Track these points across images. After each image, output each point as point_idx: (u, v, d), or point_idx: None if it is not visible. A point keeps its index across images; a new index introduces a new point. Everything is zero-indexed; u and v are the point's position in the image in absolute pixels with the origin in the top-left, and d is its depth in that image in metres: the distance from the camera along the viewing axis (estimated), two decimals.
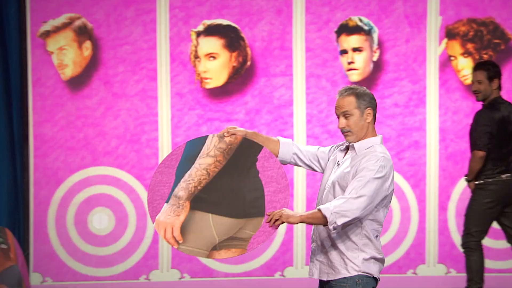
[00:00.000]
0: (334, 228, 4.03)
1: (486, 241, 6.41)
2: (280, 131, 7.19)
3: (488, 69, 6.24)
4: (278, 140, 4.37)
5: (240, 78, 7.21)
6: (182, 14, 7.16)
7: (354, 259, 4.13)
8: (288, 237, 7.23)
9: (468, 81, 7.19)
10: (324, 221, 4.03)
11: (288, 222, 4.12)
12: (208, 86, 7.23)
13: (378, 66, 7.23)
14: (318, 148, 4.35)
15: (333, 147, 4.32)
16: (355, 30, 7.21)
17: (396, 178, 7.11)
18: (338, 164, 4.19)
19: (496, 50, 7.23)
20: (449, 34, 7.24)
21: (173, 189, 4.45)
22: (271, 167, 4.45)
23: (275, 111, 7.21)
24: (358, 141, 4.16)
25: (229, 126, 4.48)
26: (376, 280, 4.20)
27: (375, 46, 7.22)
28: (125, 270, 7.19)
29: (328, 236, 4.16)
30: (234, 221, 4.42)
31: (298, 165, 4.38)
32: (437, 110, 7.21)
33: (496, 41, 7.23)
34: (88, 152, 7.19)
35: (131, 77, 7.19)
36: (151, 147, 7.19)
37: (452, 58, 7.25)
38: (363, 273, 4.15)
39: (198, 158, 4.51)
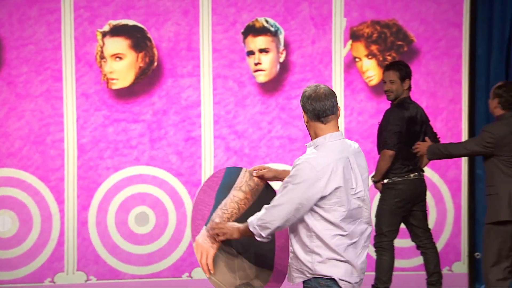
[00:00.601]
0: (263, 237, 4.02)
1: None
2: (187, 132, 7.16)
3: (400, 69, 6.30)
4: None
5: (147, 78, 7.14)
6: (87, 14, 7.07)
7: (307, 262, 4.06)
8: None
9: (373, 82, 7.28)
10: (253, 234, 4.03)
11: (232, 238, 4.15)
12: (115, 87, 7.15)
13: (284, 67, 7.25)
14: None
15: None
16: (262, 31, 7.21)
17: None
18: None
19: (399, 51, 7.33)
20: (354, 35, 7.30)
21: (211, 213, 4.40)
22: None
23: (183, 112, 7.17)
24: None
25: (259, 165, 4.44)
26: (344, 282, 4.05)
27: (281, 47, 7.24)
28: (30, 273, 7.05)
29: (290, 240, 4.12)
30: (252, 267, 4.42)
31: None
32: (343, 111, 7.26)
33: (399, 43, 7.32)
34: None
35: (35, 78, 7.05)
36: (56, 148, 7.07)
37: (357, 59, 7.31)
38: (320, 276, 4.06)
39: (233, 188, 4.50)
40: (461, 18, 7.34)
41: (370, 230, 4.16)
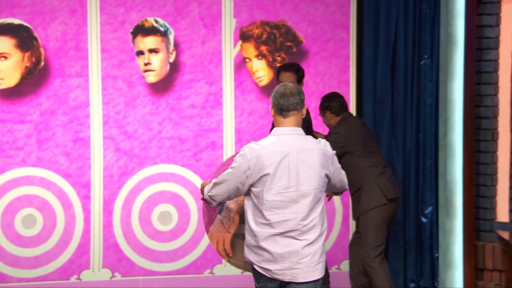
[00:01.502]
0: (214, 206, 4.56)
1: None
2: (76, 132, 7.06)
3: (298, 70, 6.32)
4: None
5: (34, 78, 7.00)
6: None
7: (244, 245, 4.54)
8: (85, 239, 7.11)
9: (263, 82, 7.30)
10: None
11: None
12: (0, 87, 6.98)
13: (174, 68, 7.20)
14: None
15: None
16: (151, 31, 7.15)
17: (193, 179, 7.20)
18: None
19: (288, 52, 7.34)
20: (243, 36, 7.29)
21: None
22: None
23: (71, 112, 7.05)
24: None
25: None
26: (261, 269, 4.40)
27: (171, 47, 7.18)
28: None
29: None
30: None
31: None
32: (233, 111, 7.26)
33: (289, 43, 7.34)
34: None
35: None
36: None
37: (247, 60, 7.31)
38: (248, 259, 4.48)
39: None
40: (349, 20, 7.40)
41: (310, 226, 4.39)
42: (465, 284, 6.76)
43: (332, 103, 6.67)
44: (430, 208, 7.35)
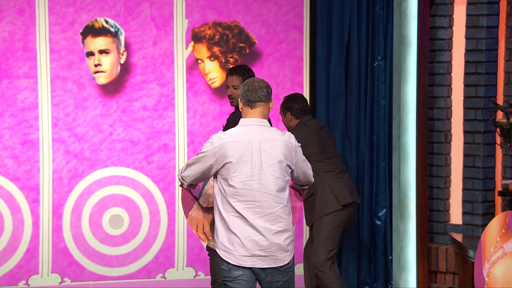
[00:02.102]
0: (185, 187, 4.80)
1: None
2: (24, 135, 6.99)
3: (243, 73, 6.27)
4: None
5: None
6: None
7: None
8: (33, 244, 6.99)
9: (216, 84, 7.27)
10: None
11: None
12: None
13: (125, 69, 7.15)
14: None
15: None
16: (101, 31, 7.09)
17: (145, 182, 7.17)
18: None
19: (241, 53, 7.33)
20: (196, 37, 7.26)
21: (203, 187, 4.96)
22: None
23: (19, 115, 6.98)
24: None
25: None
26: (226, 254, 4.65)
27: (122, 48, 7.13)
28: None
29: None
30: None
31: None
32: (185, 113, 7.24)
33: (241, 45, 7.33)
34: None
35: None
36: None
37: (199, 61, 7.29)
38: (215, 243, 4.74)
39: None
40: (302, 21, 7.40)
41: (274, 215, 4.62)
42: (419, 286, 6.78)
43: (294, 104, 6.65)
44: (384, 211, 7.36)
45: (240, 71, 6.26)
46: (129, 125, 7.15)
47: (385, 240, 7.35)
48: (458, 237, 6.69)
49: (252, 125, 4.68)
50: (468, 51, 7.06)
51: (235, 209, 4.62)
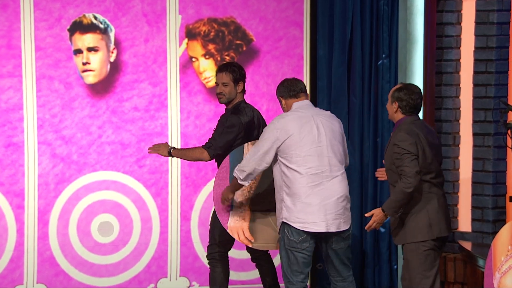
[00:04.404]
0: (242, 180, 5.66)
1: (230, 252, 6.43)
2: (8, 137, 6.95)
3: (234, 70, 6.24)
4: None
5: None
6: None
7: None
8: (18, 252, 6.99)
9: (211, 83, 7.22)
10: (236, 180, 5.71)
11: (229, 196, 5.88)
12: None
13: (116, 67, 7.12)
14: None
15: None
16: (90, 28, 7.06)
17: (136, 187, 7.15)
18: None
19: (238, 51, 7.28)
20: (190, 34, 7.23)
21: (232, 197, 5.82)
22: None
23: (3, 116, 6.93)
24: None
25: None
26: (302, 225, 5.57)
27: (112, 45, 7.11)
28: None
29: None
30: None
31: None
32: (179, 114, 7.21)
33: (238, 42, 7.28)
34: None
35: None
36: None
37: (194, 59, 7.24)
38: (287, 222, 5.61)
39: None
40: (302, 17, 7.36)
41: (339, 178, 5.63)
42: None
43: (406, 97, 5.74)
44: (388, 218, 7.16)
45: (230, 68, 6.26)
46: (119, 126, 7.09)
47: (390, 248, 7.31)
48: (467, 245, 6.78)
49: (306, 105, 5.76)
50: (477, 48, 7.07)
51: (302, 176, 5.52)
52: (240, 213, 5.79)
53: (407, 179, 5.40)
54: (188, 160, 6.24)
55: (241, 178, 5.63)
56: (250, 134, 6.21)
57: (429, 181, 5.53)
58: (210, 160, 6.13)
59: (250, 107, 6.31)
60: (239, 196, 5.72)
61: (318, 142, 5.61)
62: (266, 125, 6.32)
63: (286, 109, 5.87)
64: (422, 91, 6.47)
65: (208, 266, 6.29)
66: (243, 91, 6.29)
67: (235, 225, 5.75)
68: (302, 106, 5.73)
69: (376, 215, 5.60)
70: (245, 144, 5.95)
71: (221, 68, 6.27)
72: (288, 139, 5.57)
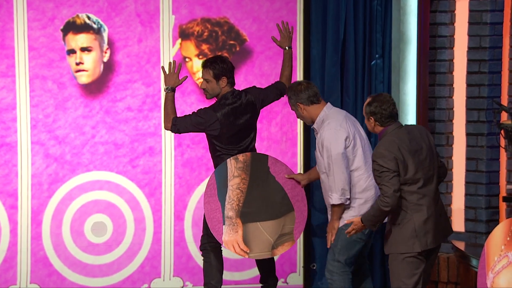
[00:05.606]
0: (348, 199, 5.93)
1: (224, 253, 6.45)
2: (1, 137, 6.95)
3: (214, 67, 6.23)
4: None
5: None
6: None
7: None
8: (11, 253, 6.87)
9: None
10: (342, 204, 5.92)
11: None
12: None
13: (109, 67, 7.11)
14: None
15: None
16: (83, 28, 7.06)
17: (129, 187, 7.15)
18: None
19: (231, 51, 7.27)
20: (183, 34, 7.21)
21: (223, 212, 5.90)
22: (281, 170, 6.05)
23: None
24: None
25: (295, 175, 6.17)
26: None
27: (105, 45, 7.11)
28: None
29: None
30: (276, 221, 5.97)
31: None
32: None
33: (231, 42, 7.28)
34: None
35: None
36: None
37: (187, 59, 7.23)
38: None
39: (228, 181, 5.94)
40: (295, 17, 7.34)
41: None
42: None
43: (378, 110, 5.61)
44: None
45: (211, 65, 6.25)
46: (112, 127, 7.08)
47: (383, 249, 7.15)
48: (461, 245, 6.74)
49: (333, 108, 6.06)
50: (470, 48, 7.07)
51: (364, 173, 5.94)
52: (233, 226, 5.89)
53: (385, 198, 5.31)
54: (164, 110, 6.26)
55: (347, 197, 5.84)
56: (237, 118, 6.21)
57: (416, 192, 5.40)
58: (167, 130, 6.24)
59: (239, 94, 6.27)
60: (229, 210, 5.86)
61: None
62: (263, 98, 6.43)
63: (307, 116, 5.95)
64: (416, 90, 6.55)
65: (202, 258, 6.32)
66: (230, 83, 6.25)
67: (230, 238, 5.85)
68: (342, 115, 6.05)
69: (355, 224, 5.60)
70: (228, 160, 5.92)
71: (203, 64, 6.28)
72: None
